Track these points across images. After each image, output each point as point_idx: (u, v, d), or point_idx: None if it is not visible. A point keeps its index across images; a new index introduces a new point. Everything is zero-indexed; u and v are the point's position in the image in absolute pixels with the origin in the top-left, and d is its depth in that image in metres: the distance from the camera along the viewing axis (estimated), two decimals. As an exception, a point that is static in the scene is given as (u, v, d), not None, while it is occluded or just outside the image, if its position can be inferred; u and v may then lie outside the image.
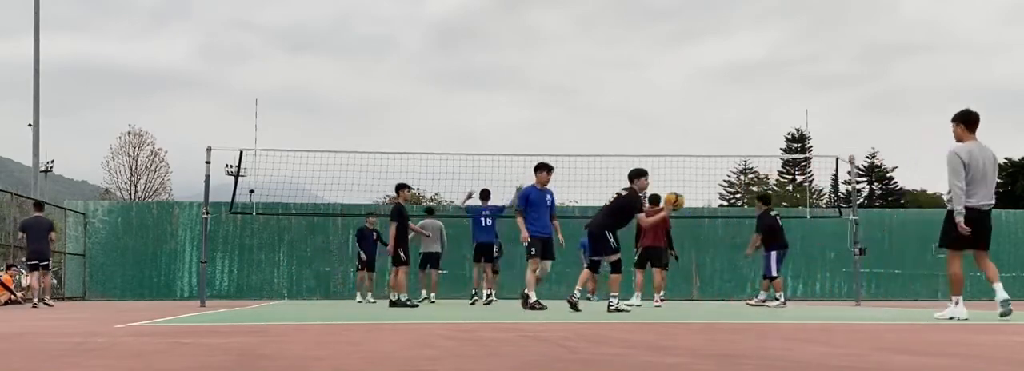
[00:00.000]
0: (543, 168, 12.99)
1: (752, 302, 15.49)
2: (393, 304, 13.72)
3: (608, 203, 11.62)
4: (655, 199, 15.16)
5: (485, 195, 16.33)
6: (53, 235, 17.01)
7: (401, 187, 14.82)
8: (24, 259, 17.27)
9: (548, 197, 12.77)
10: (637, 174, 11.58)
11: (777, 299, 15.08)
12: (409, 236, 14.60)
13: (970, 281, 27.65)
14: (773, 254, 15.07)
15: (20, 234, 17.08)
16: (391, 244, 14.06)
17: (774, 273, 15.07)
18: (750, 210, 29.23)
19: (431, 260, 17.84)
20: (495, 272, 16.96)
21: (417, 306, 13.78)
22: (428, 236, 17.37)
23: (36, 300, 15.86)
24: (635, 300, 15.06)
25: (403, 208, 14.48)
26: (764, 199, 16.42)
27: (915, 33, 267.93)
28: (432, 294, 17.79)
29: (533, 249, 12.10)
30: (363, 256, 18.66)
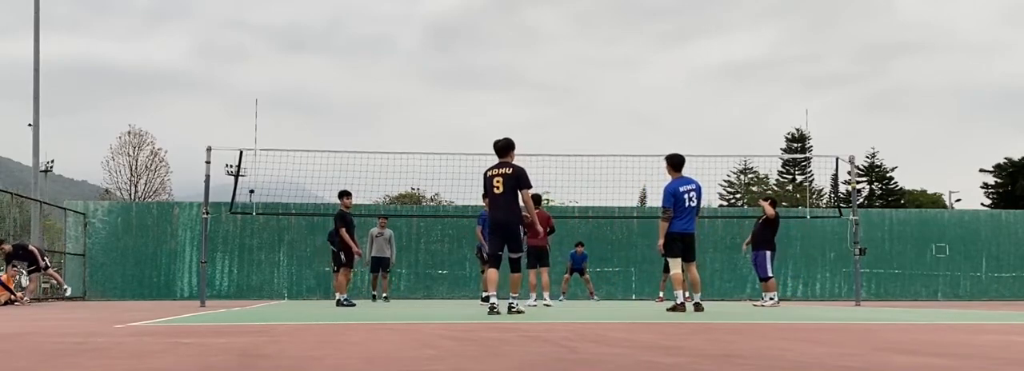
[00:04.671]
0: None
1: (764, 304, 15.12)
2: (339, 304, 14.23)
3: (500, 192, 9.98)
4: (537, 198, 15.16)
5: None
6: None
7: (343, 194, 15.25)
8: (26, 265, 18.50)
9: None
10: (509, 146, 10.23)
11: (772, 299, 15.06)
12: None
13: (970, 281, 27.70)
14: (768, 254, 14.91)
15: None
16: (353, 246, 14.73)
17: (770, 273, 14.95)
18: (750, 210, 29.24)
19: (382, 264, 18.83)
20: None
21: (355, 305, 14.28)
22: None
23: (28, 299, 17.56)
24: (534, 300, 14.71)
25: (347, 214, 15.02)
26: (774, 200, 16.13)
27: (913, 32, 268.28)
28: (384, 294, 19.00)
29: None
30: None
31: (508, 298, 10.21)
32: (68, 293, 20.58)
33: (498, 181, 9.94)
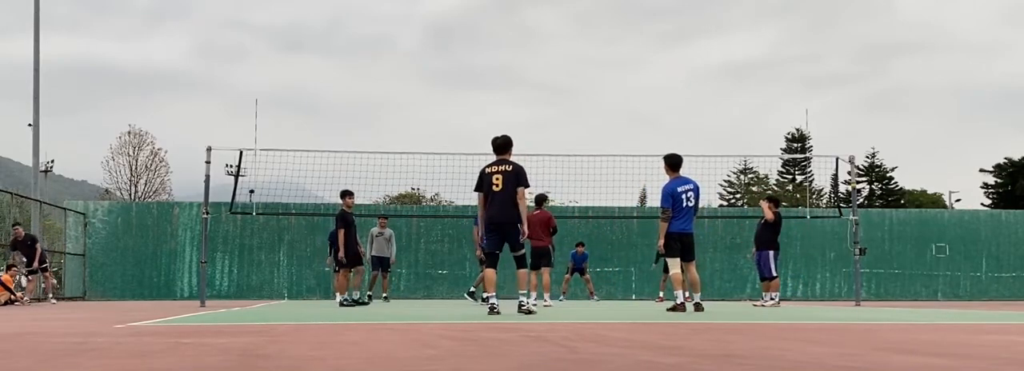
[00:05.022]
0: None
1: (764, 304, 15.22)
2: (343, 304, 14.22)
3: (499, 189, 9.79)
4: (543, 198, 15.14)
5: None
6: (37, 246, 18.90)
7: (345, 194, 15.18)
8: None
9: None
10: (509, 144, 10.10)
11: (772, 299, 15.07)
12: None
13: (970, 281, 27.61)
14: (772, 254, 14.94)
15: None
16: (341, 249, 14.71)
17: (775, 273, 15.01)
18: (750, 210, 29.23)
19: (382, 263, 18.73)
20: None
21: (365, 303, 14.34)
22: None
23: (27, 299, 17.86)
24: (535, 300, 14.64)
25: (347, 214, 14.96)
26: (776, 200, 16.24)
27: (912, 33, 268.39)
28: (384, 294, 19.02)
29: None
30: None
31: (517, 296, 10.07)
32: (53, 302, 20.49)
33: (497, 178, 9.77)
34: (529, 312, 9.70)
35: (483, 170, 9.98)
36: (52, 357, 4.30)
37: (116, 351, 4.59)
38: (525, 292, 10.04)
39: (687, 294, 11.13)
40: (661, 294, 20.01)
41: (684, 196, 11.25)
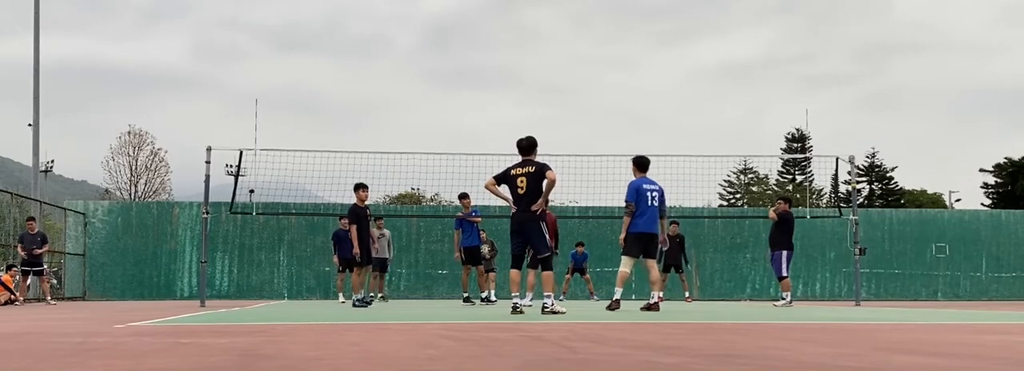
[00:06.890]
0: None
1: (778, 304, 15.25)
2: (356, 304, 13.96)
3: (524, 192, 9.88)
4: None
5: (466, 196, 15.84)
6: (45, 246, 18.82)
7: (358, 187, 14.48)
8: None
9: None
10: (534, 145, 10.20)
11: (784, 298, 15.09)
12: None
13: (970, 281, 27.55)
14: (784, 254, 15.02)
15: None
16: (355, 246, 14.15)
17: (785, 273, 15.05)
18: (750, 210, 29.25)
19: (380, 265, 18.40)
20: (490, 271, 16.97)
21: (369, 304, 14.08)
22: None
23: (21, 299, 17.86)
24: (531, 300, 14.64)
25: (359, 209, 14.28)
26: (789, 199, 16.34)
27: (911, 32, 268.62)
28: (381, 294, 18.76)
29: None
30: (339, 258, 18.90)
31: (537, 298, 10.06)
32: (52, 303, 20.44)
33: (521, 181, 9.88)
34: (555, 313, 9.68)
35: (509, 170, 10.09)
36: (52, 357, 4.30)
37: (116, 351, 4.59)
38: (550, 294, 9.97)
39: (674, 295, 11.27)
40: (661, 294, 19.96)
41: (649, 194, 11.41)
